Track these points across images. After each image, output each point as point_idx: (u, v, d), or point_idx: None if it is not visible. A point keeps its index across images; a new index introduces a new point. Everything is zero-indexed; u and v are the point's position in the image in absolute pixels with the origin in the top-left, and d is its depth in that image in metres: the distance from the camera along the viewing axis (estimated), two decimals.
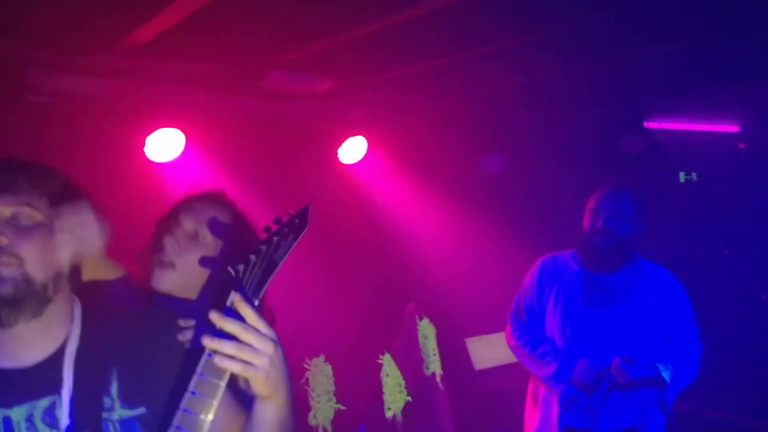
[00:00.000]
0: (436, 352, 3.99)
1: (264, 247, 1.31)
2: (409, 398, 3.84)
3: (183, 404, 1.22)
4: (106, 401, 1.31)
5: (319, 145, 3.71)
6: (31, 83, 3.01)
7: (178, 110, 3.30)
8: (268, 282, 1.31)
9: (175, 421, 1.21)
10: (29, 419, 1.26)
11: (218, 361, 1.21)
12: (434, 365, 3.93)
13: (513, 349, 2.97)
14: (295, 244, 1.34)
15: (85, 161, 3.07)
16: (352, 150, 3.80)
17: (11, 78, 2.93)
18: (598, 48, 3.31)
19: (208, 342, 1.21)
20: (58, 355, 1.31)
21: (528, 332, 2.94)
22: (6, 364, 1.30)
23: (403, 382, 3.89)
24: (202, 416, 1.21)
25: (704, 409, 3.85)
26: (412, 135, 3.89)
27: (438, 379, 3.94)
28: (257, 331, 1.24)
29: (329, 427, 3.32)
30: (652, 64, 3.61)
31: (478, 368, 4.13)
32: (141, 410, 1.33)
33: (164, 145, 3.32)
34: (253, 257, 1.30)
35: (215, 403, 1.21)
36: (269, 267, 1.30)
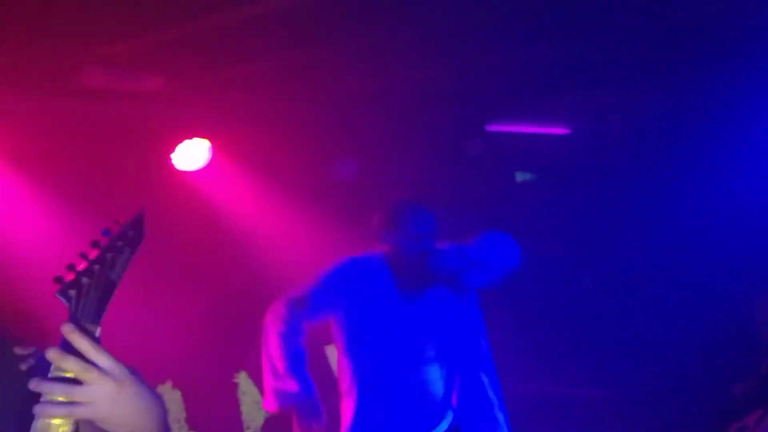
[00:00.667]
0: None
1: (97, 267, 1.14)
2: (267, 414, 3.65)
3: None
4: None
5: (154, 149, 3.40)
6: None
7: None
8: (107, 306, 1.15)
9: None
10: None
11: (43, 408, 1.04)
12: None
13: None
14: (132, 258, 1.19)
15: None
16: (192, 155, 3.52)
17: None
18: (443, 53, 3.33)
19: (34, 385, 1.05)
20: None
21: None
22: None
23: (260, 399, 3.71)
24: None
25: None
26: (258, 139, 3.70)
27: None
28: (95, 366, 1.07)
29: None
30: (493, 69, 3.72)
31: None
32: None
33: None
34: (85, 280, 1.12)
35: None
36: (107, 288, 1.14)
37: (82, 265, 1.14)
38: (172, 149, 3.48)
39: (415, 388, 2.72)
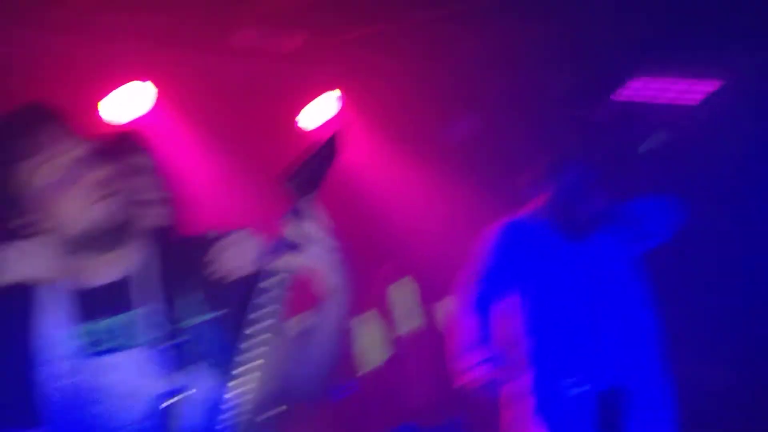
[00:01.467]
0: (416, 308, 3.98)
1: (308, 168, 1.38)
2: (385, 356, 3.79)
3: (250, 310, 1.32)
4: (185, 307, 1.43)
5: (288, 103, 3.64)
6: None
7: (147, 66, 3.19)
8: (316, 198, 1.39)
9: (248, 323, 1.31)
10: (126, 325, 1.40)
11: (287, 258, 1.31)
12: (410, 323, 3.92)
13: None
14: (330, 166, 1.41)
15: None
16: (320, 112, 3.73)
17: None
18: (574, 10, 3.31)
19: (289, 218, 1.32)
20: (139, 270, 1.44)
21: None
22: (96, 281, 1.43)
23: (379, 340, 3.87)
24: (270, 320, 1.31)
25: None
26: (384, 96, 3.84)
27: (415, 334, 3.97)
28: (318, 228, 1.34)
29: None
30: (622, 30, 3.64)
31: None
32: (221, 312, 1.44)
33: (132, 100, 3.22)
34: (303, 176, 1.37)
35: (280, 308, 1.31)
36: (315, 186, 1.38)
37: (298, 166, 1.36)
38: (301, 107, 3.70)
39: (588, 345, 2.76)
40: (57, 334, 1.37)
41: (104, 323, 1.40)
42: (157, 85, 3.22)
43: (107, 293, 1.42)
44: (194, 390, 1.38)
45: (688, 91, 4.83)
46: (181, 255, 1.50)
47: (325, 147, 1.41)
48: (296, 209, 1.35)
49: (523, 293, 2.81)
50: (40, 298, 1.40)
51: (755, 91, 4.42)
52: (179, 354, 1.39)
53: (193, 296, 1.44)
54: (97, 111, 3.15)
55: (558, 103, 4.64)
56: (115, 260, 1.43)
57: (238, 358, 1.31)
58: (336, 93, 3.72)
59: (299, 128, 3.75)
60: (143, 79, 3.18)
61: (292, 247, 1.33)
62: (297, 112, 3.68)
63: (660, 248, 2.91)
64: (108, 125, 3.16)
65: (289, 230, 1.33)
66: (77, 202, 1.37)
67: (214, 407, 1.37)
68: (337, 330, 1.42)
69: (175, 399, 1.37)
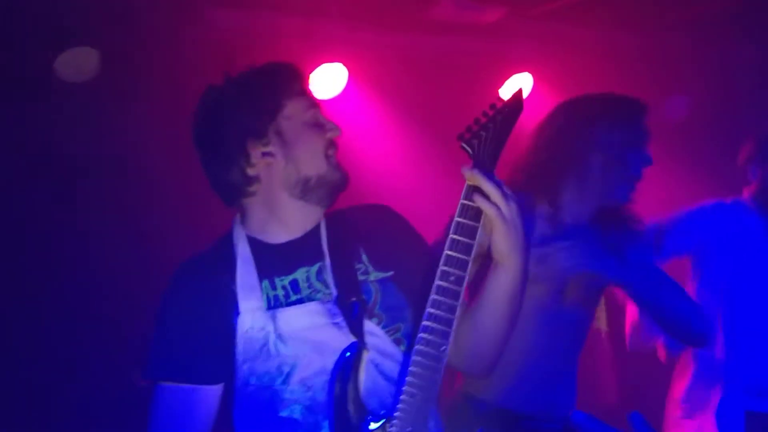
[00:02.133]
0: None
1: (491, 125, 1.43)
2: None
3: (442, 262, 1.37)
4: (360, 266, 1.55)
5: (482, 82, 3.55)
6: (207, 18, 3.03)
7: (342, 46, 3.24)
8: (498, 158, 1.43)
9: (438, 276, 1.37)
10: (308, 280, 1.52)
11: (476, 199, 1.38)
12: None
13: None
14: (514, 123, 1.47)
15: None
16: (517, 89, 3.60)
17: (187, 14, 2.97)
18: None
19: (469, 173, 1.38)
20: (316, 231, 1.57)
21: None
22: (279, 239, 1.56)
23: None
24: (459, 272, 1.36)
25: None
26: (582, 72, 3.63)
27: None
28: (501, 190, 1.39)
29: None
30: None
31: None
32: (391, 273, 1.56)
33: (327, 81, 3.28)
34: (483, 133, 1.42)
35: (469, 258, 1.37)
36: (498, 144, 1.43)
37: (478, 126, 1.43)
38: (500, 83, 3.59)
39: None
40: (247, 288, 1.48)
41: (289, 277, 1.50)
42: (352, 64, 3.25)
43: (292, 248, 1.54)
44: (371, 350, 1.45)
45: None
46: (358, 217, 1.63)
47: (509, 105, 1.45)
48: (479, 165, 1.39)
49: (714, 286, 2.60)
50: (232, 254, 1.53)
51: None
52: (358, 311, 1.47)
53: (371, 254, 1.55)
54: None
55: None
56: (313, 214, 1.57)
57: (426, 322, 1.35)
58: (529, 74, 3.57)
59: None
60: (341, 59, 3.22)
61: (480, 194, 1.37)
62: (494, 88, 3.58)
63: None
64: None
65: (471, 185, 1.38)
66: (315, 150, 1.54)
67: (391, 367, 1.46)
68: (508, 300, 1.43)
69: (355, 355, 1.42)
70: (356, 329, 1.45)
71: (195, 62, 2.80)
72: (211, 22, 3.03)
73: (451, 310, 1.35)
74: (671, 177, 3.65)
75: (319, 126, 1.56)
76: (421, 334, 1.35)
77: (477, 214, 1.38)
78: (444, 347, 1.34)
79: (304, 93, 1.58)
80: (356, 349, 1.42)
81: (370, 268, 1.54)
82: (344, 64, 3.25)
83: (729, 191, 2.81)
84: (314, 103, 1.59)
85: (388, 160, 3.40)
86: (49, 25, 2.72)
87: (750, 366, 2.55)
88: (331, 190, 1.55)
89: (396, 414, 1.36)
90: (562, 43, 3.63)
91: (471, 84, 3.53)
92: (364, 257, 1.55)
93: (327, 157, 1.55)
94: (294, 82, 1.57)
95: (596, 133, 2.03)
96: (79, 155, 2.90)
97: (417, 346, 1.35)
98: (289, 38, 3.19)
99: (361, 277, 1.52)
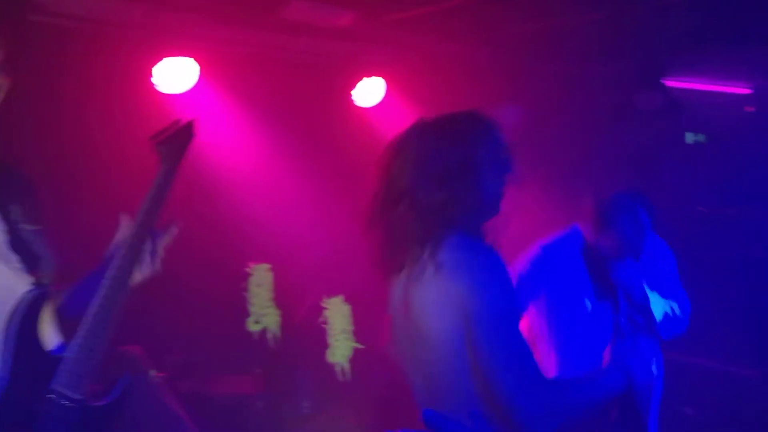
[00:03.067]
0: None
1: (171, 141, 1.67)
2: None
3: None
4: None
5: (334, 84, 3.60)
6: (37, 2, 2.84)
7: (191, 40, 3.16)
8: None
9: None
10: None
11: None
12: None
13: None
14: (187, 148, 1.67)
15: (91, 89, 2.97)
16: (369, 92, 3.69)
17: None
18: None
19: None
20: None
21: None
22: None
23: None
24: None
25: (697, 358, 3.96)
26: (429, 79, 3.79)
27: None
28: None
29: (346, 366, 3.32)
30: (670, 16, 3.54)
31: None
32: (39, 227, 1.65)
33: (176, 75, 3.18)
34: (170, 142, 1.66)
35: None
36: (168, 171, 1.65)
37: (166, 135, 1.62)
38: (352, 86, 3.66)
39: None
40: None
41: None
42: (203, 59, 3.19)
43: None
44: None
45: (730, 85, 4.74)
46: None
47: (185, 129, 1.66)
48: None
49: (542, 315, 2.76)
50: None
51: None
52: None
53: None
54: (150, 78, 3.13)
55: (601, 90, 4.57)
56: None
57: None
58: (381, 77, 3.67)
59: (352, 105, 3.72)
60: (192, 53, 3.15)
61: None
62: (347, 90, 3.64)
63: None
64: (159, 93, 3.15)
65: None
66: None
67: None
68: None
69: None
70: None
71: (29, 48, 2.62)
72: (46, 6, 2.85)
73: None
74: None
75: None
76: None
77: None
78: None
79: None
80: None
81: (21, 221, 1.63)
82: (195, 59, 3.17)
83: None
84: None
85: (240, 156, 3.37)
86: None
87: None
88: None
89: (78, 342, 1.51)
90: (414, 51, 3.77)
91: (324, 84, 3.58)
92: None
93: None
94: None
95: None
96: None
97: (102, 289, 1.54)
98: (134, 29, 3.07)
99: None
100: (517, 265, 2.78)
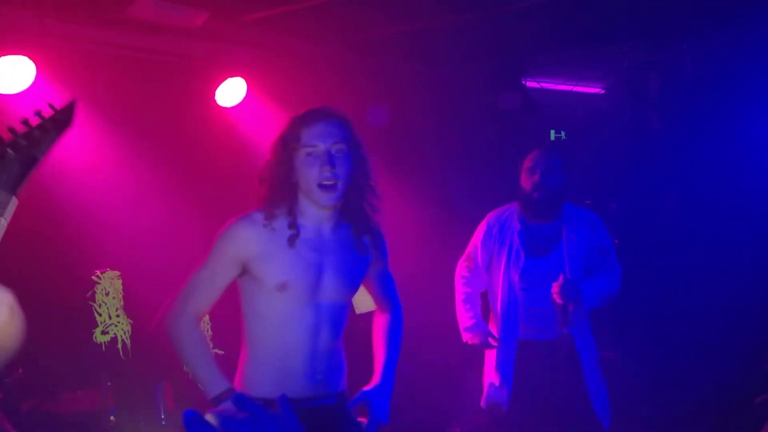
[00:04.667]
0: None
1: (24, 142, 1.27)
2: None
3: None
4: None
5: (195, 84, 3.49)
6: None
7: (29, 38, 2.96)
8: (26, 179, 1.28)
9: None
10: None
11: None
12: None
13: (458, 279, 3.28)
14: (57, 141, 1.31)
15: None
16: (231, 92, 3.61)
17: None
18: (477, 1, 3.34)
19: None
20: None
21: (474, 278, 3.27)
22: None
23: None
24: None
25: None
26: (294, 80, 3.76)
27: None
28: None
29: (128, 341, 3.20)
30: (528, 18, 3.72)
31: (358, 312, 4.16)
32: None
33: (12, 75, 2.98)
34: (10, 152, 1.24)
35: None
36: (29, 163, 1.27)
37: (9, 138, 1.25)
38: (212, 86, 3.57)
39: None
40: None
41: None
42: (41, 58, 2.99)
43: None
44: None
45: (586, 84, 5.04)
46: None
47: (56, 117, 1.28)
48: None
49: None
50: None
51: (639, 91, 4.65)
52: None
53: None
54: None
55: (470, 92, 4.72)
56: None
57: None
58: (242, 78, 3.61)
59: (215, 105, 3.62)
60: (27, 52, 2.95)
61: None
62: (209, 90, 3.54)
63: None
64: None
65: None
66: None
67: None
68: None
69: None
70: None
71: None
72: None
73: None
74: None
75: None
76: None
77: None
78: None
79: None
80: None
81: None
82: (31, 58, 2.97)
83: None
84: None
85: (88, 158, 3.20)
86: None
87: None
88: None
89: None
90: (272, 52, 3.72)
91: (184, 85, 3.47)
92: None
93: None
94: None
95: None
96: None
97: None
98: None
99: None
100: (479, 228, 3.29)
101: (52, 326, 2.72)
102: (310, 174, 2.07)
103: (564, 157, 3.20)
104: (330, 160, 2.07)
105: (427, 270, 4.22)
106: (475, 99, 4.71)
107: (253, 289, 2.11)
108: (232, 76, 3.58)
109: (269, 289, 2.07)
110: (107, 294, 3.15)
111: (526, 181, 3.12)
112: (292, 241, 2.07)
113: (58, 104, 1.31)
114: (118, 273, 3.18)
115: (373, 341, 2.35)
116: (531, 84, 4.79)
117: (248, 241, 2.08)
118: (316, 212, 2.13)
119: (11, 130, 1.25)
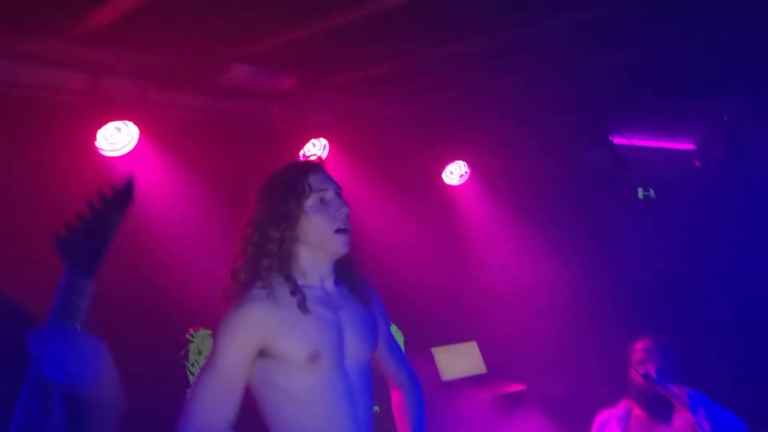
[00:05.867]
0: None
1: (92, 224, 1.32)
2: None
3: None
4: None
5: (279, 147, 3.64)
6: None
7: (132, 104, 3.20)
8: (102, 260, 1.32)
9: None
10: None
11: None
12: None
13: None
14: (123, 218, 1.36)
15: (34, 154, 2.98)
16: (312, 152, 3.74)
17: None
18: (560, 55, 3.34)
19: None
20: None
21: None
22: None
23: None
24: None
25: None
26: (375, 141, 3.86)
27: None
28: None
29: None
30: (613, 74, 3.66)
31: (444, 379, 4.06)
32: None
33: (117, 138, 3.22)
34: (82, 237, 1.29)
35: None
36: (102, 244, 1.31)
37: (78, 224, 1.28)
38: (298, 148, 3.71)
39: None
40: None
41: None
42: (143, 123, 3.22)
43: None
44: None
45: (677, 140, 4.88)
46: None
47: (116, 199, 1.31)
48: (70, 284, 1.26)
49: None
50: None
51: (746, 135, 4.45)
52: None
53: None
54: (94, 141, 3.15)
55: (553, 147, 4.66)
56: None
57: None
58: (324, 139, 3.74)
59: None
60: (131, 117, 3.19)
61: None
62: (293, 150, 3.69)
63: None
64: (102, 156, 3.16)
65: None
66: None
67: None
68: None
69: None
70: None
71: None
72: None
73: None
74: None
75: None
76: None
77: None
78: None
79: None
80: None
81: None
82: (135, 123, 3.21)
83: None
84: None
85: (183, 221, 3.36)
86: None
87: None
88: None
89: None
90: (354, 114, 3.85)
91: (269, 146, 3.62)
92: None
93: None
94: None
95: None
96: None
97: None
98: (76, 95, 3.12)
99: None
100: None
101: (147, 384, 2.76)
102: (325, 220, 1.93)
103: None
104: (344, 200, 1.98)
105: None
106: (560, 155, 4.64)
107: (270, 370, 1.89)
108: (315, 137, 3.72)
109: (296, 365, 1.86)
110: (200, 353, 3.17)
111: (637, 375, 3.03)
112: (303, 306, 1.89)
113: (116, 184, 1.39)
114: (209, 332, 3.20)
115: (397, 424, 2.15)
116: (617, 140, 4.69)
117: (262, 321, 1.87)
118: (319, 268, 1.97)
119: (80, 216, 1.31)
